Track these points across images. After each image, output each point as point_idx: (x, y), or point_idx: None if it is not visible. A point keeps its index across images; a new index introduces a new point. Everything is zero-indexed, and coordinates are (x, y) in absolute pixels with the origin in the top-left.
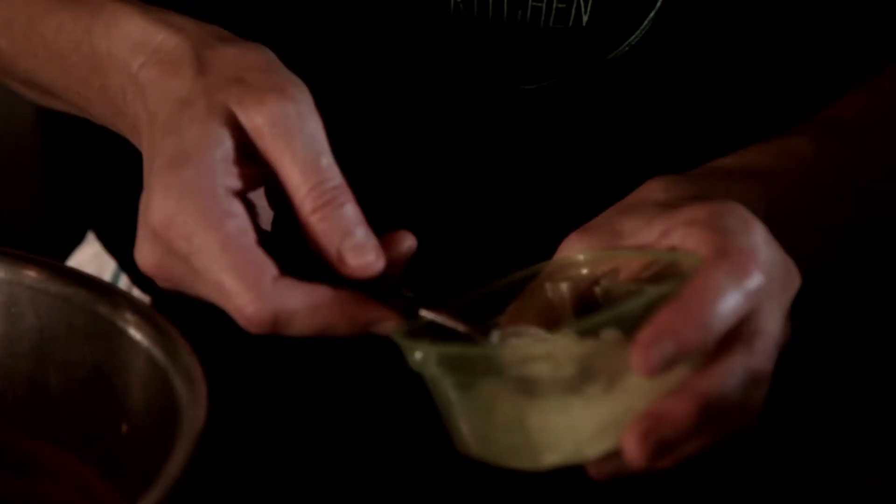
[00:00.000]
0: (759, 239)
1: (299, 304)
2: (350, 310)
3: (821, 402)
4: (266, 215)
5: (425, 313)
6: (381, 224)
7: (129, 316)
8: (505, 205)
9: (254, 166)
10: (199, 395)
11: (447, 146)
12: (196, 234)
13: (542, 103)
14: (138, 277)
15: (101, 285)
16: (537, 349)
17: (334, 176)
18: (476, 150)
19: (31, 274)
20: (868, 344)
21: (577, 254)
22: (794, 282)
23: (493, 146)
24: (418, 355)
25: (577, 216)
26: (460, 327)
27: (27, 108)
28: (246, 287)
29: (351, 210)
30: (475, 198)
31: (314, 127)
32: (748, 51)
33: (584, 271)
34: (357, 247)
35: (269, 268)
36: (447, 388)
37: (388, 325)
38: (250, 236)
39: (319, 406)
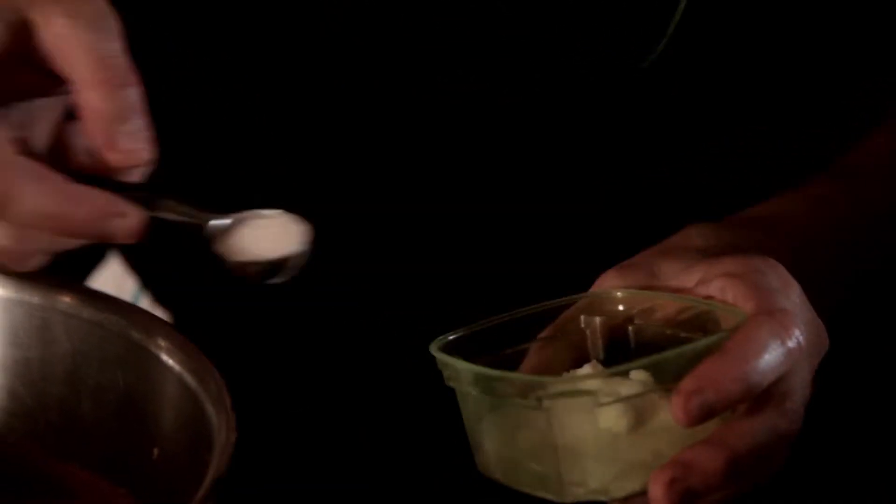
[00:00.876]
0: (797, 300)
1: (31, 175)
2: (88, 196)
3: (827, 425)
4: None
5: (161, 207)
6: (395, 249)
7: (161, 341)
8: (519, 227)
9: (32, 74)
10: (230, 419)
11: (465, 169)
12: None
13: (558, 124)
14: (159, 296)
15: (134, 310)
16: (574, 384)
17: (122, 58)
18: (493, 172)
19: (64, 299)
20: (875, 363)
21: (615, 290)
22: (824, 344)
23: (507, 166)
24: (454, 371)
25: (591, 237)
26: (188, 218)
27: None
28: None
29: (135, 94)
30: (491, 220)
31: (104, 14)
32: (767, 75)
33: (620, 308)
34: (133, 132)
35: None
36: (478, 407)
37: (131, 219)
38: None
39: (348, 427)
